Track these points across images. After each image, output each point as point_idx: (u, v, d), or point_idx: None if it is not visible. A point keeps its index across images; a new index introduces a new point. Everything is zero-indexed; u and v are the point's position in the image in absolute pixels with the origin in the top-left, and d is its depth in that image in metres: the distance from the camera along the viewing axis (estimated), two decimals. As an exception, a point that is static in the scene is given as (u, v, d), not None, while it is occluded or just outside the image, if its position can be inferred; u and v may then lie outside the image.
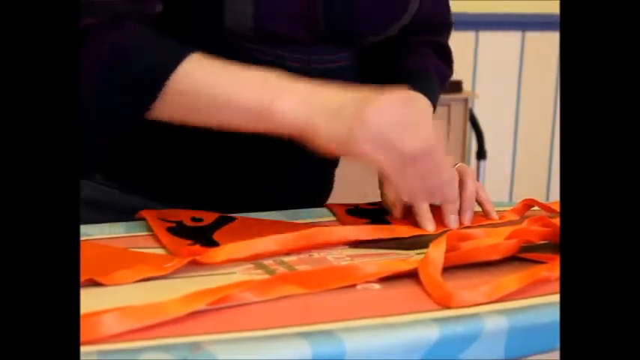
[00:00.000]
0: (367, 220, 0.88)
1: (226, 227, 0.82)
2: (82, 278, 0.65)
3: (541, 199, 0.94)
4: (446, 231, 0.82)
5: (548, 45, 2.93)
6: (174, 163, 0.92)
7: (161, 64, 0.78)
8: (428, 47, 1.04)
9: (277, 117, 0.76)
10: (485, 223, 0.88)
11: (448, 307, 0.64)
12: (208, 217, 0.84)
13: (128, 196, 0.93)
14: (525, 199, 0.93)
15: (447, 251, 0.72)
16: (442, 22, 1.08)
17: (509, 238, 0.77)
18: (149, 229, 0.82)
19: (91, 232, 0.80)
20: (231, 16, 0.84)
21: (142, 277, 0.67)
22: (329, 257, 0.75)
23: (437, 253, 0.71)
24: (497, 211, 0.90)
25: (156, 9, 0.82)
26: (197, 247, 0.75)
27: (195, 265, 0.71)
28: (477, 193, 0.89)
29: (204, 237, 0.78)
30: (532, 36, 2.95)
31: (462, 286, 0.67)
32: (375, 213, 0.91)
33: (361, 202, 0.95)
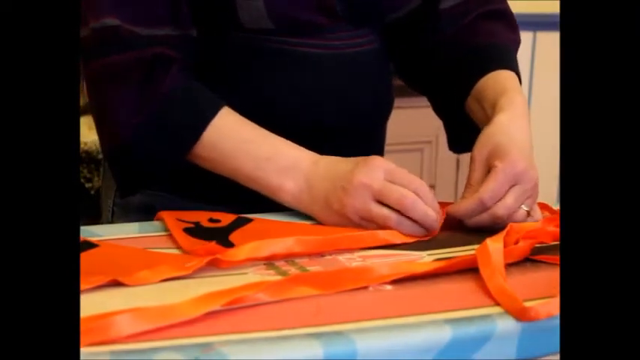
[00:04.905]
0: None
1: (243, 228, 0.81)
2: (106, 279, 0.66)
3: (551, 201, 0.93)
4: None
5: (559, 45, 2.92)
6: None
7: (191, 126, 0.86)
8: (492, 19, 0.99)
9: (283, 200, 0.86)
10: None
11: (523, 320, 0.63)
12: (226, 219, 0.84)
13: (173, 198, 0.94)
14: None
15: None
16: None
17: (524, 238, 0.77)
18: (161, 229, 0.82)
19: (100, 233, 0.80)
20: (245, 13, 0.87)
21: (164, 278, 0.67)
22: (340, 258, 0.75)
23: (499, 258, 0.71)
24: None
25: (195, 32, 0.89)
26: (213, 244, 0.75)
27: (210, 265, 0.71)
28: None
29: (220, 238, 0.78)
30: (543, 36, 2.94)
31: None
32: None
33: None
